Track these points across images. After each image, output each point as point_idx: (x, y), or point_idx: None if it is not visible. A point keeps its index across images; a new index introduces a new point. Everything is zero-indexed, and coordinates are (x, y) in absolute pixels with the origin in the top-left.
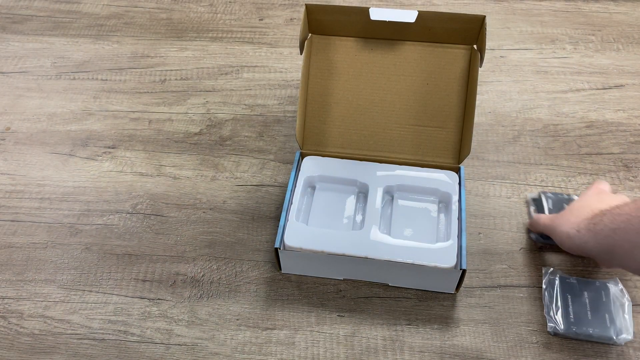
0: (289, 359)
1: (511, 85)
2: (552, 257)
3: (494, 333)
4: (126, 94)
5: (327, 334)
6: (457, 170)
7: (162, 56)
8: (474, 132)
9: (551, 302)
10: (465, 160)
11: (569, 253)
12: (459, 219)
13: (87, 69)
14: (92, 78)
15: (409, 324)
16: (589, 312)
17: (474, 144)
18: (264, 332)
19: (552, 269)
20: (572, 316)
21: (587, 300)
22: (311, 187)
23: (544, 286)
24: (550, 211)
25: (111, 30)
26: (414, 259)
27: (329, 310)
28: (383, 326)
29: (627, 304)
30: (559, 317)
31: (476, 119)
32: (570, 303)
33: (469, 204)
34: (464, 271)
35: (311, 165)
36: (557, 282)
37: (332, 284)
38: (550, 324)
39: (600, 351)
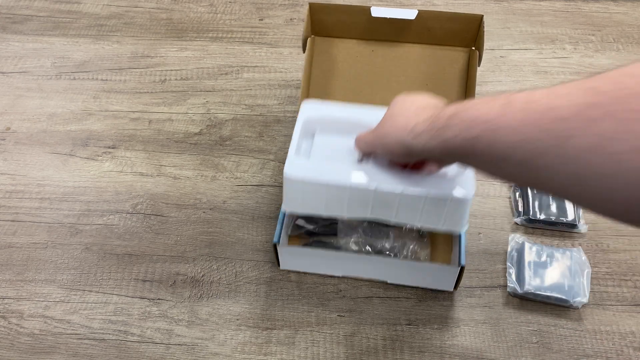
0: (289, 359)
1: (511, 85)
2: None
3: (494, 333)
4: (126, 94)
5: (327, 334)
6: None
7: (162, 56)
8: None
9: (512, 264)
10: None
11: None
12: None
13: (87, 69)
14: (92, 78)
15: (409, 324)
16: (548, 276)
17: None
18: (264, 332)
19: (518, 234)
20: (532, 279)
21: (548, 265)
22: (311, 132)
23: (508, 249)
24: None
25: (111, 30)
26: (428, 188)
27: (329, 310)
28: (383, 326)
29: (587, 270)
30: (519, 279)
31: None
32: (532, 266)
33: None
34: (462, 268)
35: (311, 109)
36: (520, 246)
37: (332, 284)
38: (510, 285)
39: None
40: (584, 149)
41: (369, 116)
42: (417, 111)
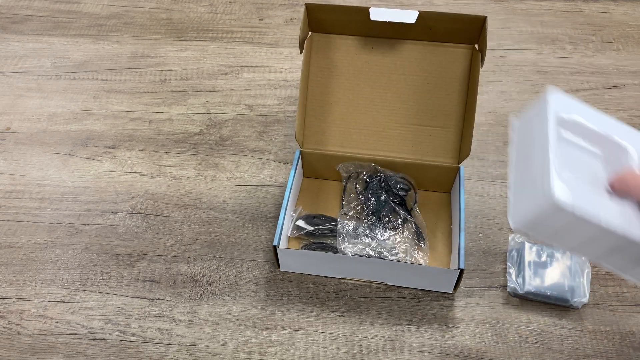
0: (289, 359)
1: (511, 85)
2: None
3: (494, 333)
4: (126, 94)
5: (327, 334)
6: (457, 170)
7: (162, 56)
8: (474, 132)
9: (512, 264)
10: (465, 160)
11: None
12: (459, 218)
13: (87, 69)
14: (92, 78)
15: (409, 324)
16: (548, 276)
17: (474, 144)
18: (264, 332)
19: (518, 235)
20: (532, 279)
21: (548, 265)
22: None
23: (508, 249)
24: None
25: (111, 30)
26: None
27: (329, 310)
28: (383, 326)
29: (587, 270)
30: (519, 279)
31: (476, 119)
32: (532, 266)
33: (469, 204)
34: (462, 271)
35: (561, 104)
36: (520, 246)
37: (332, 284)
38: (510, 285)
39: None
40: None
41: (631, 140)
42: None
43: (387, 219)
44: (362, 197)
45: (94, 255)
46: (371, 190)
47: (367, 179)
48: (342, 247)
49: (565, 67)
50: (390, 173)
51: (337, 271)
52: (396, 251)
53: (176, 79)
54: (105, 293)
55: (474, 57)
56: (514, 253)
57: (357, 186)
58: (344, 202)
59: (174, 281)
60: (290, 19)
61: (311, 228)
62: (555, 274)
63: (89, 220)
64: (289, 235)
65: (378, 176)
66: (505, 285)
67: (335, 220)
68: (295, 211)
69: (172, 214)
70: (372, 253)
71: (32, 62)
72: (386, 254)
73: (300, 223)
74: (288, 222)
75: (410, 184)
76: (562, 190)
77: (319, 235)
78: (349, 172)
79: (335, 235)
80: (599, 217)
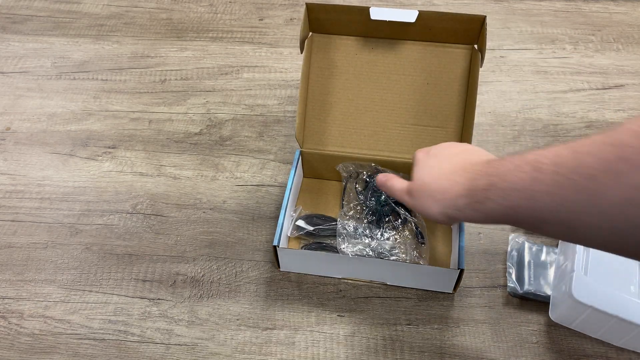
0: (289, 359)
1: (511, 85)
2: None
3: (494, 333)
4: (126, 94)
5: (327, 334)
6: None
7: (162, 56)
8: (474, 132)
9: (512, 264)
10: None
11: None
12: None
13: (87, 69)
14: (92, 78)
15: (409, 324)
16: (549, 275)
17: (473, 143)
18: (264, 332)
19: (518, 234)
20: (532, 279)
21: (548, 265)
22: None
23: (508, 249)
24: None
25: (111, 30)
26: None
27: (329, 310)
28: (383, 326)
29: None
30: (519, 279)
31: (476, 119)
32: (532, 266)
33: None
34: (462, 271)
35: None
36: (520, 246)
37: (332, 284)
38: (510, 285)
39: None
40: (618, 203)
41: None
42: (451, 182)
43: (387, 219)
44: (362, 197)
45: (94, 255)
46: (371, 190)
47: (367, 179)
48: (342, 247)
49: (565, 67)
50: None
51: (337, 271)
52: (396, 251)
53: (176, 79)
54: (105, 293)
55: (474, 57)
56: (514, 253)
57: (357, 186)
58: (344, 202)
59: (174, 281)
60: (290, 19)
61: (311, 228)
62: (555, 272)
63: (89, 220)
64: (288, 235)
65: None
66: (505, 285)
67: (335, 220)
68: (295, 211)
69: (172, 214)
70: (371, 253)
71: (32, 62)
72: (386, 254)
73: (300, 223)
74: (288, 222)
75: None
76: (578, 290)
77: (319, 235)
78: (349, 172)
79: (335, 235)
80: (617, 311)
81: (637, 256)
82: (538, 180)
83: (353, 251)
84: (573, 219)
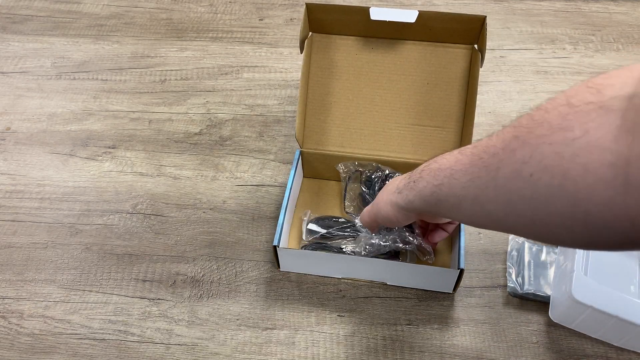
0: (289, 359)
1: (511, 85)
2: None
3: (494, 333)
4: (126, 94)
5: (327, 334)
6: None
7: (162, 56)
8: (474, 132)
9: (512, 264)
10: None
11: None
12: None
13: (87, 69)
14: (92, 78)
15: (409, 324)
16: (549, 275)
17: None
18: (264, 332)
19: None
20: (532, 279)
21: (548, 265)
22: None
23: (508, 249)
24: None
25: (111, 30)
26: None
27: (329, 310)
28: (383, 326)
29: None
30: (519, 279)
31: (476, 119)
32: (532, 266)
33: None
34: (462, 271)
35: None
36: (520, 246)
37: (332, 284)
38: (510, 285)
39: None
40: (509, 177)
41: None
42: (404, 175)
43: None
44: (367, 196)
45: (94, 255)
46: (374, 187)
47: (368, 176)
48: (343, 246)
49: (565, 67)
50: (389, 171)
51: (337, 271)
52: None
53: (176, 79)
54: (105, 293)
55: (474, 57)
56: (514, 253)
57: (362, 186)
58: (346, 202)
59: (174, 281)
60: (291, 19)
61: (324, 231)
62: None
63: (89, 220)
64: (303, 239)
65: (379, 173)
66: (505, 285)
67: (346, 221)
68: (304, 215)
69: (172, 214)
70: (389, 244)
71: (32, 62)
72: (400, 245)
73: (312, 227)
74: (289, 223)
75: None
76: (578, 291)
77: (333, 238)
78: (349, 171)
79: (347, 236)
80: (617, 311)
81: (527, 234)
82: (459, 161)
83: (369, 248)
84: (479, 195)
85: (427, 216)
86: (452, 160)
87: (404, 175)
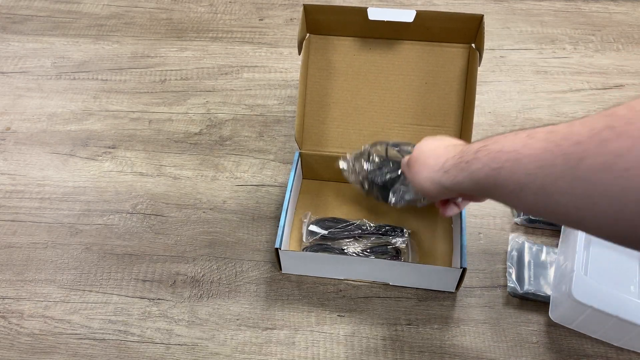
0: (289, 359)
1: (511, 85)
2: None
3: (494, 333)
4: (126, 94)
5: (327, 334)
6: None
7: (162, 56)
8: (474, 132)
9: (512, 264)
10: None
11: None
12: (460, 218)
13: (87, 69)
14: (92, 78)
15: (409, 324)
16: (549, 275)
17: None
18: (264, 332)
19: (518, 234)
20: (532, 279)
21: (548, 265)
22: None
23: (508, 249)
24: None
25: (111, 30)
26: None
27: (329, 310)
28: (383, 326)
29: None
30: (519, 279)
31: (476, 119)
32: (532, 266)
33: (469, 204)
34: (464, 270)
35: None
36: (520, 246)
37: (332, 284)
38: (510, 285)
39: None
40: (595, 169)
41: None
42: (447, 148)
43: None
44: (365, 186)
45: (94, 255)
46: (372, 174)
47: (365, 164)
48: (345, 246)
49: (565, 67)
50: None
51: (339, 272)
52: (398, 253)
53: (176, 79)
54: (105, 293)
55: (472, 56)
56: (514, 253)
57: (363, 184)
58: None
59: (174, 281)
60: (290, 19)
61: (325, 232)
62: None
63: (89, 220)
64: (304, 240)
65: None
66: (505, 285)
67: (347, 222)
68: (305, 217)
69: (172, 214)
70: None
71: (32, 62)
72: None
73: (313, 228)
74: (289, 225)
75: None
76: (578, 290)
77: (334, 238)
78: (353, 156)
79: (348, 237)
80: (617, 311)
81: (601, 231)
82: (528, 146)
83: (357, 252)
84: (549, 185)
85: (468, 195)
86: (518, 143)
87: (449, 148)
